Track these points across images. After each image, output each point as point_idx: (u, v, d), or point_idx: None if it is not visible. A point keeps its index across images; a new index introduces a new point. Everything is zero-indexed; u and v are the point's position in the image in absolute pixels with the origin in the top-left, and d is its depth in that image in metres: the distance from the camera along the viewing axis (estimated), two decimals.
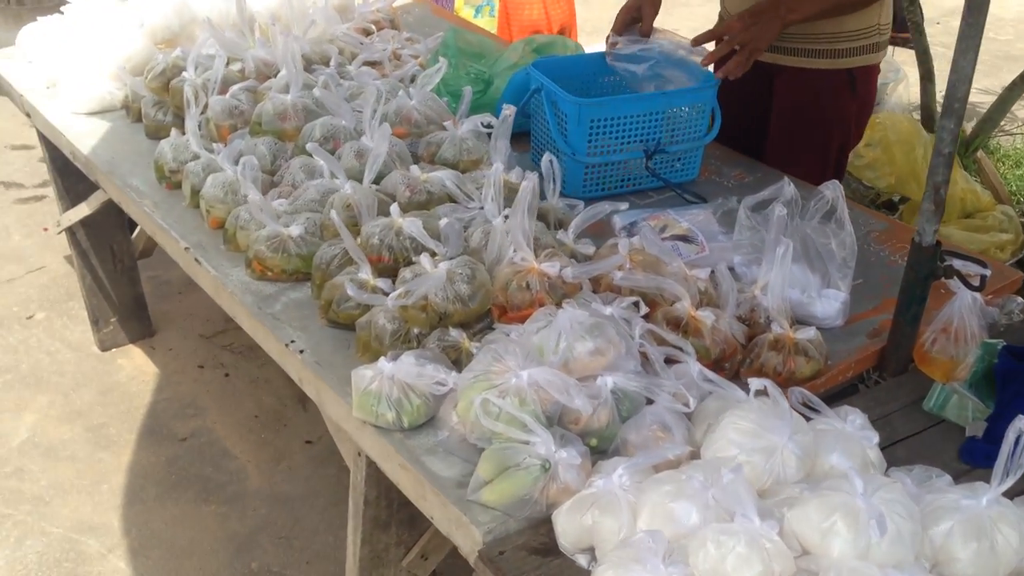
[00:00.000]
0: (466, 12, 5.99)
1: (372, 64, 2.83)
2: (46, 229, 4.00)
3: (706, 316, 1.81)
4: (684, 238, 2.26)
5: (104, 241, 3.17)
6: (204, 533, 2.66)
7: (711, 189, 2.54)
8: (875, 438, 1.62)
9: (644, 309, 1.79)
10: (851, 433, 1.62)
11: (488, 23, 5.97)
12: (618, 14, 2.55)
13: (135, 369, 3.28)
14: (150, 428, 3.03)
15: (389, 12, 3.20)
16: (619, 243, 1.93)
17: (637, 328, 1.73)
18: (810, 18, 2.45)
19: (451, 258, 1.91)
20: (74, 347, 3.37)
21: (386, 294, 1.90)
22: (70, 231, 3.10)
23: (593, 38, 6.17)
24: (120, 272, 3.25)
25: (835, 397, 1.92)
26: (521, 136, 2.52)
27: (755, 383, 1.55)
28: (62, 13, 2.96)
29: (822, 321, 2.00)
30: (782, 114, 2.62)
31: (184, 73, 2.57)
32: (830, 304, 2.00)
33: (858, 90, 2.56)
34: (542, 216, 2.15)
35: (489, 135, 2.36)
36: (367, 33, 3.05)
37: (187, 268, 2.26)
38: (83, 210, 2.96)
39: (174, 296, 3.61)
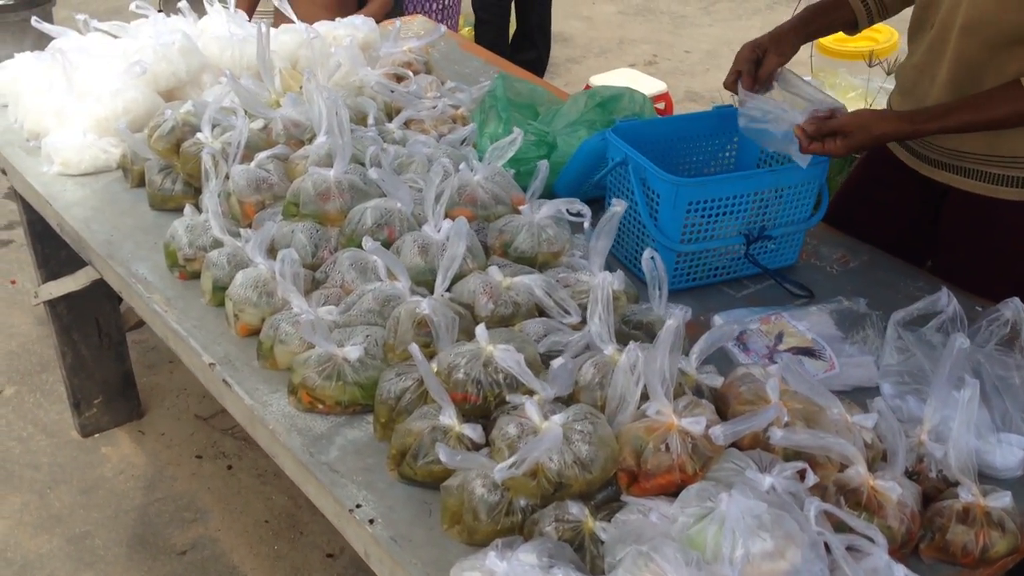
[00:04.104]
0: (467, 30, 5.62)
1: (410, 122, 2.44)
2: (13, 282, 3.53)
3: (889, 487, 1.44)
4: (808, 351, 1.90)
5: (88, 313, 2.74)
6: None
7: (812, 276, 2.19)
8: None
9: (812, 478, 1.42)
10: None
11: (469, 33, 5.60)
12: (741, 49, 2.13)
13: (122, 460, 2.84)
14: (142, 538, 2.60)
15: (423, 52, 2.80)
16: (767, 385, 1.55)
17: (812, 510, 1.36)
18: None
19: (557, 399, 1.54)
20: (50, 432, 2.92)
21: (477, 446, 1.52)
22: (49, 303, 2.66)
23: (602, 61, 5.82)
24: (106, 348, 2.82)
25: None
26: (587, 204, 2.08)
27: None
28: (42, 51, 2.52)
29: (999, 472, 1.64)
30: (950, 242, 2.22)
31: (199, 134, 2.15)
32: (1011, 452, 1.65)
33: None
34: (643, 327, 1.78)
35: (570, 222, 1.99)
36: (400, 79, 2.65)
37: (209, 386, 1.85)
38: (68, 285, 2.52)
39: (163, 366, 3.17)
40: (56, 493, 2.72)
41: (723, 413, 1.60)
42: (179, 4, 2.67)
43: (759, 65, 2.11)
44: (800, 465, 1.42)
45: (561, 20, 6.20)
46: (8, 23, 4.21)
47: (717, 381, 1.66)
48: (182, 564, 2.54)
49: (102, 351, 2.82)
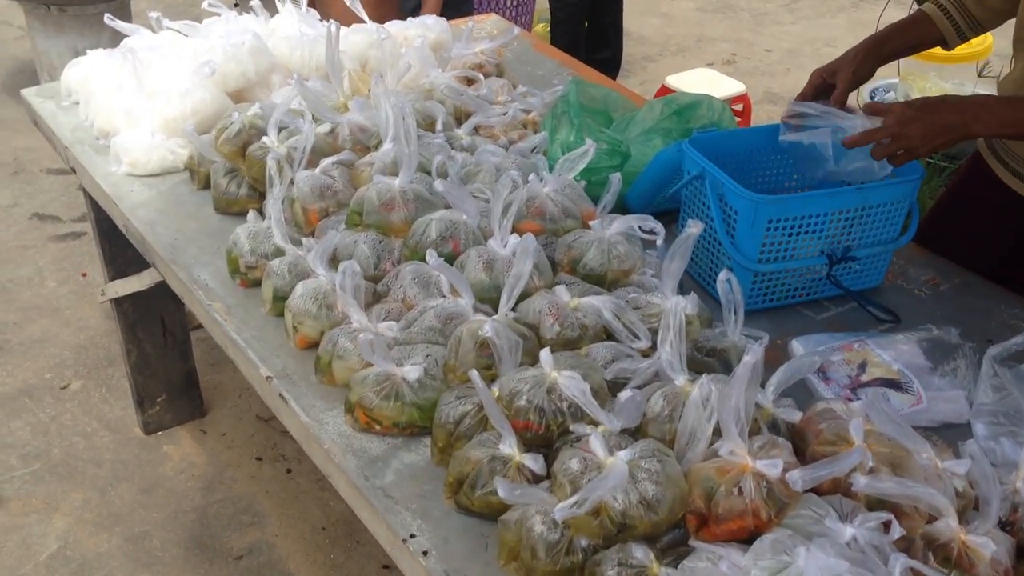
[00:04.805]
0: (541, 27, 5.54)
1: (480, 127, 2.37)
2: (84, 275, 3.57)
3: (982, 543, 1.33)
4: (893, 383, 1.78)
5: (154, 312, 2.73)
6: None
7: (899, 299, 2.06)
8: None
9: (898, 531, 1.32)
10: None
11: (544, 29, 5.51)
12: (812, 74, 2.05)
13: (183, 460, 2.83)
14: (200, 541, 2.58)
15: (495, 54, 2.73)
16: (850, 425, 1.45)
17: (897, 568, 1.26)
18: (1003, 136, 1.98)
19: (623, 431, 1.46)
20: (113, 428, 2.93)
21: (537, 477, 1.45)
22: (115, 301, 2.66)
23: (679, 60, 5.69)
24: (171, 346, 2.81)
25: None
26: (659, 218, 1.94)
27: None
28: (115, 47, 2.50)
29: None
30: None
31: (264, 138, 2.11)
32: None
33: None
34: (716, 354, 1.69)
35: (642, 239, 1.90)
36: (470, 82, 2.58)
37: (266, 399, 1.81)
38: (133, 284, 2.52)
39: (227, 365, 3.15)
40: (117, 491, 2.73)
41: (801, 450, 1.51)
42: (251, 3, 2.64)
43: (827, 92, 2.01)
44: (885, 516, 1.32)
45: (638, 17, 6.08)
46: (87, 15, 4.26)
47: (795, 416, 1.55)
48: (238, 569, 2.52)
49: (166, 349, 2.82)
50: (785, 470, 1.34)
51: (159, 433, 2.92)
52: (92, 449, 2.86)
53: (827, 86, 2.02)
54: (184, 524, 2.63)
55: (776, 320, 1.97)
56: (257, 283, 1.94)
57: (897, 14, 3.97)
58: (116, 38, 2.56)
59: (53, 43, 4.36)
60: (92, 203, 2.49)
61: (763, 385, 1.56)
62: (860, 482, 1.35)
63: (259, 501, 2.71)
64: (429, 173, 2.01)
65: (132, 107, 2.32)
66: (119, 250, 2.59)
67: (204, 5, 2.56)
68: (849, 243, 1.99)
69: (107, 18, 2.49)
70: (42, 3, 4.21)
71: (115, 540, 2.58)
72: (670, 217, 2.17)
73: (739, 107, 4.35)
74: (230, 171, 2.17)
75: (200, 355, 3.10)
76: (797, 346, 1.89)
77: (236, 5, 4.00)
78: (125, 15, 4.44)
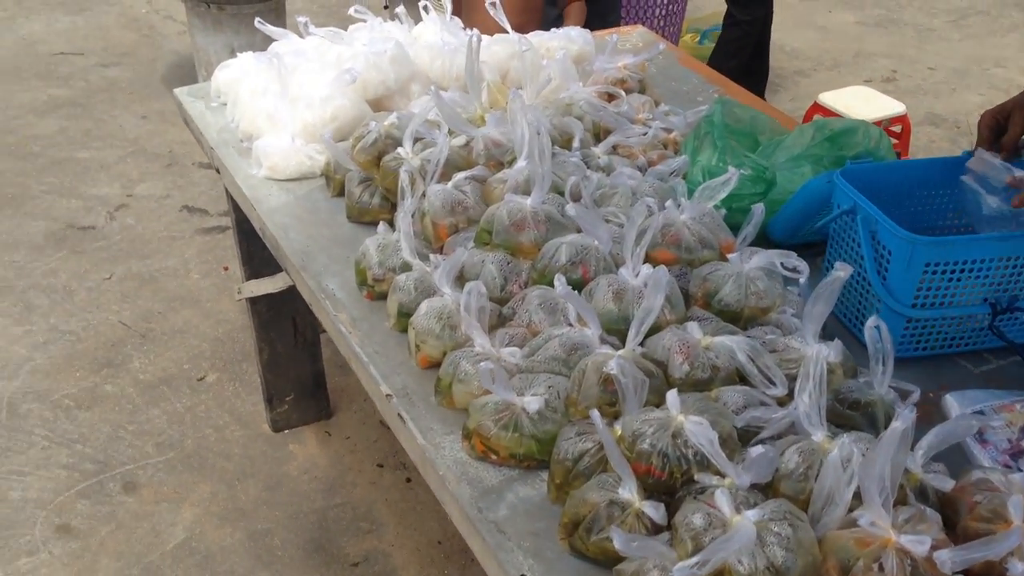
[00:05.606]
0: (689, 36, 5.40)
1: (618, 145, 2.29)
2: (226, 269, 3.67)
3: None
4: None
5: (287, 313, 2.78)
6: None
7: None
8: None
9: None
10: None
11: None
12: (982, 117, 1.90)
13: (307, 460, 2.87)
14: (319, 544, 2.60)
15: (638, 69, 2.64)
16: (1009, 501, 1.31)
17: None
18: None
19: (753, 486, 1.36)
20: (244, 422, 3.00)
21: (657, 528, 1.37)
22: (250, 299, 2.71)
23: (834, 75, 5.45)
24: (301, 347, 2.85)
25: None
26: (803, 250, 1.84)
27: None
28: (264, 51, 2.55)
29: None
30: None
31: (399, 149, 2.09)
32: None
33: None
34: (860, 408, 1.56)
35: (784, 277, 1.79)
36: (611, 98, 2.51)
37: (385, 415, 1.79)
38: (267, 286, 2.56)
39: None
40: (243, 486, 2.78)
41: (951, 522, 1.38)
42: (397, 10, 2.64)
43: (1002, 133, 1.86)
44: None
45: (791, 29, 5.86)
46: (243, 14, 4.39)
47: (947, 485, 1.41)
48: None
49: (297, 350, 2.86)
50: (933, 548, 1.22)
51: (286, 431, 2.97)
52: (222, 442, 2.93)
53: (1001, 128, 1.88)
54: (304, 525, 2.66)
55: (929, 370, 1.83)
56: (383, 296, 1.92)
57: None
58: (270, 38, 2.61)
59: (211, 40, 4.52)
60: (233, 203, 2.54)
61: (912, 446, 1.43)
62: (1017, 568, 1.22)
63: (378, 508, 2.71)
64: (563, 193, 1.95)
65: (275, 111, 2.35)
66: (256, 250, 2.63)
67: (350, 11, 2.57)
68: (1017, 292, 1.83)
69: (257, 22, 2.54)
70: (202, 1, 4.37)
71: (238, 535, 2.62)
72: (816, 249, 2.04)
73: (897, 128, 4.12)
74: (364, 180, 2.17)
75: (329, 356, 3.13)
76: (952, 402, 1.74)
77: (386, 7, 4.04)
78: (280, 15, 4.57)
